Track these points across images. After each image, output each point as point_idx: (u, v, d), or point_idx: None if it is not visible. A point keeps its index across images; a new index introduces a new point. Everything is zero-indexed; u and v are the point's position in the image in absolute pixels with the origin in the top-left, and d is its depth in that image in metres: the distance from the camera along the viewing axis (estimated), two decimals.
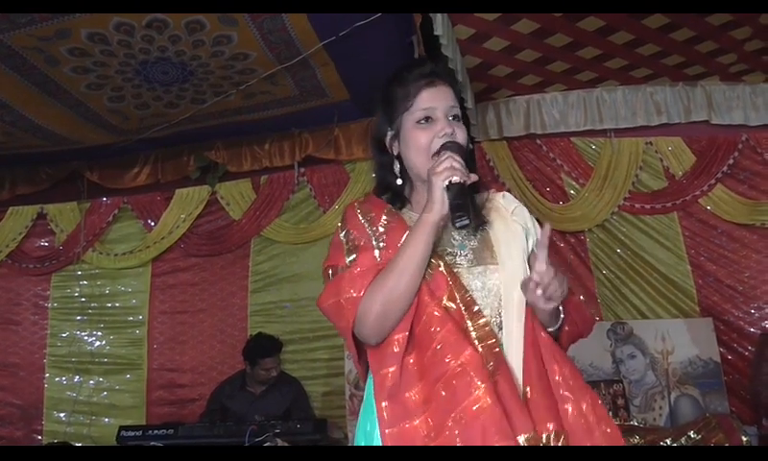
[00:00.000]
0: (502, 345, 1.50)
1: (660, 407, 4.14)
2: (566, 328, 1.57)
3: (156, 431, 3.65)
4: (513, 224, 1.64)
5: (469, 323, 1.48)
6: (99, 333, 5.22)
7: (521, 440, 1.35)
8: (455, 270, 1.55)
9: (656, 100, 4.68)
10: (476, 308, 1.50)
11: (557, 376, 1.48)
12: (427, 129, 1.61)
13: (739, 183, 4.59)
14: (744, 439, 3.42)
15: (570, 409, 1.45)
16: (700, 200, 4.59)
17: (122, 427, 3.73)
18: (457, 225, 1.47)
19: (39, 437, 5.02)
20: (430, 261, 1.52)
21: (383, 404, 1.44)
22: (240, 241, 5.13)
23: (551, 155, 4.83)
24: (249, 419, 3.78)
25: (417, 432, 1.40)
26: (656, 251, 4.61)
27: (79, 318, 5.26)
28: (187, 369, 5.08)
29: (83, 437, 4.94)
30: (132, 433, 3.66)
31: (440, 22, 3.32)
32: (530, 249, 1.64)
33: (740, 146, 4.59)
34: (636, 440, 3.52)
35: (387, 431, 1.42)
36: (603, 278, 4.64)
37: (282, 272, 5.07)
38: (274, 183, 5.12)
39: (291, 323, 4.90)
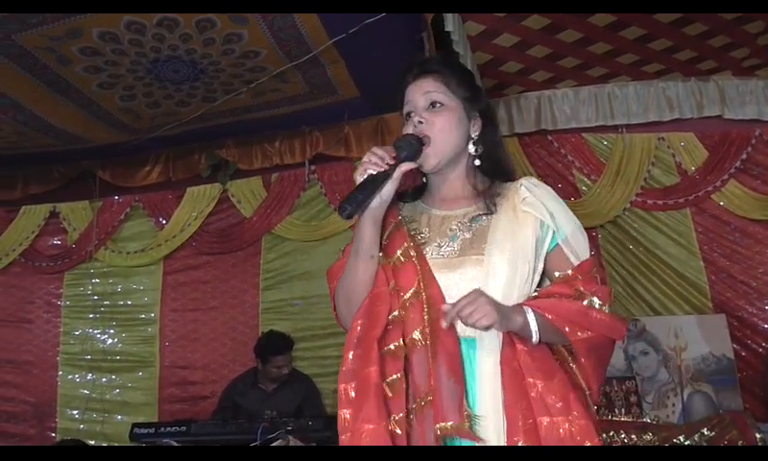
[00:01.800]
0: (472, 339, 1.50)
1: (673, 404, 4.11)
2: (573, 339, 1.51)
3: (168, 428, 3.66)
4: (520, 214, 1.60)
5: (426, 308, 1.48)
6: (111, 331, 5.25)
7: (447, 426, 1.38)
8: (432, 261, 1.56)
9: (668, 95, 4.64)
10: (438, 300, 1.50)
11: (532, 391, 1.45)
12: (408, 123, 1.68)
13: (753, 179, 4.55)
14: (758, 436, 3.40)
15: (546, 422, 1.43)
16: (713, 195, 4.55)
17: (135, 425, 3.75)
18: (342, 216, 1.48)
19: (53, 434, 5.05)
20: (402, 252, 1.56)
21: (341, 386, 1.52)
22: (251, 239, 5.14)
23: (562, 151, 4.80)
24: (261, 416, 3.79)
25: None
26: (668, 247, 4.57)
27: (91, 316, 5.29)
28: (199, 366, 5.10)
29: (96, 434, 4.98)
30: (145, 430, 3.67)
31: (450, 19, 3.31)
32: (547, 243, 1.59)
33: (753, 141, 4.55)
34: (648, 437, 3.51)
35: (342, 412, 1.49)
36: (615, 274, 4.61)
37: (293, 269, 5.08)
38: (284, 181, 5.13)
39: (302, 320, 4.91)
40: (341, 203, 1.46)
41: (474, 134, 1.70)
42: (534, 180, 1.68)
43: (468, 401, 1.42)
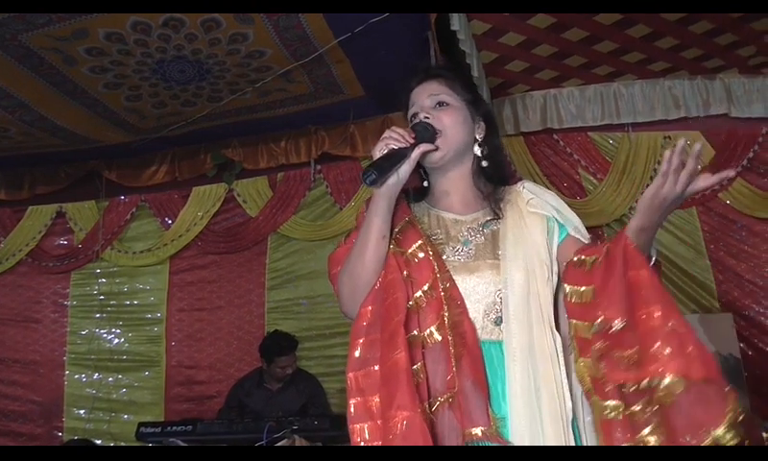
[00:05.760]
0: (497, 342, 1.49)
1: None
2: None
3: (174, 428, 3.66)
4: (528, 216, 1.61)
5: (446, 306, 1.46)
6: (118, 331, 5.27)
7: (477, 432, 1.37)
8: (449, 262, 1.55)
9: (674, 94, 4.63)
10: (459, 301, 1.49)
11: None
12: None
13: (759, 177, 4.53)
14: (765, 435, 3.38)
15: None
16: (719, 194, 4.54)
17: (141, 424, 3.76)
18: (366, 181, 1.46)
19: (60, 434, 5.07)
20: (418, 247, 1.54)
21: (350, 375, 1.48)
22: (257, 238, 5.15)
23: (568, 150, 4.79)
24: (266, 415, 3.79)
25: (376, 406, 1.43)
26: (675, 246, 4.56)
27: (98, 316, 5.30)
28: (205, 366, 5.11)
29: (102, 433, 4.99)
30: (152, 429, 3.68)
31: (456, 18, 3.30)
32: (555, 239, 1.59)
33: (760, 139, 4.53)
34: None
35: (351, 401, 1.46)
36: None
37: (299, 269, 5.08)
38: (290, 181, 5.14)
39: (308, 319, 4.92)
40: (366, 169, 1.44)
41: (479, 137, 1.72)
42: (532, 182, 1.72)
43: (491, 405, 1.41)
